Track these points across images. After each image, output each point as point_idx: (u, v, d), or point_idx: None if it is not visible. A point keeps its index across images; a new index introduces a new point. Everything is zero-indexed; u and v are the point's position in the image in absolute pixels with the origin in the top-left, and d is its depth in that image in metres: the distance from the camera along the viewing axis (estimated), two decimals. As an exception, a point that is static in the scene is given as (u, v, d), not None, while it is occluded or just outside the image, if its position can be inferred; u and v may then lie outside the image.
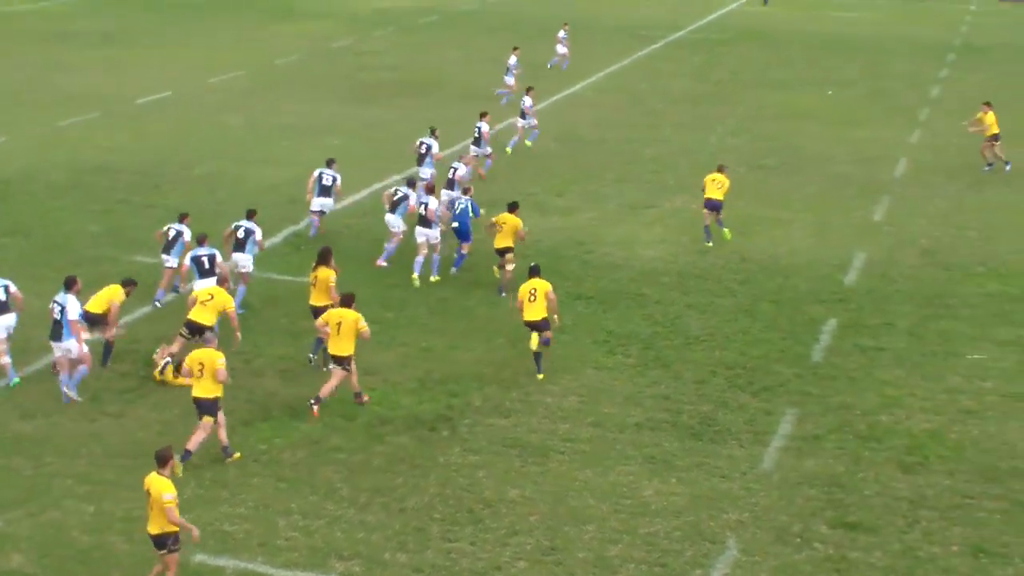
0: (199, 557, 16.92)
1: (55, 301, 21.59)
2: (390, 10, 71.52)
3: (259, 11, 70.04)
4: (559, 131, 40.71)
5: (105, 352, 22.78)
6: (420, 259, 27.80)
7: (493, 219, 27.61)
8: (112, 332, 22.76)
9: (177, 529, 15.82)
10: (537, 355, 23.04)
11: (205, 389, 19.45)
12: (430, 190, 28.51)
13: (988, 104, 38.78)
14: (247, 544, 17.49)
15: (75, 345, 21.39)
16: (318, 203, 30.34)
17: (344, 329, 21.16)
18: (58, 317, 21.41)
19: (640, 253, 30.23)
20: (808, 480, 19.59)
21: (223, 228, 26.42)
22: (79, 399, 21.60)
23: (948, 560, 17.57)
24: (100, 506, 18.36)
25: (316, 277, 23.10)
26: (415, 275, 27.69)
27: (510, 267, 27.12)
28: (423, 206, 27.73)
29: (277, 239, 30.12)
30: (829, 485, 19.45)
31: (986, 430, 21.41)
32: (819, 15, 74.29)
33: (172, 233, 25.50)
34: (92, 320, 22.41)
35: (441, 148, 33.65)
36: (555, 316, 23.41)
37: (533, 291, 23.00)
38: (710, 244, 30.59)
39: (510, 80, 47.07)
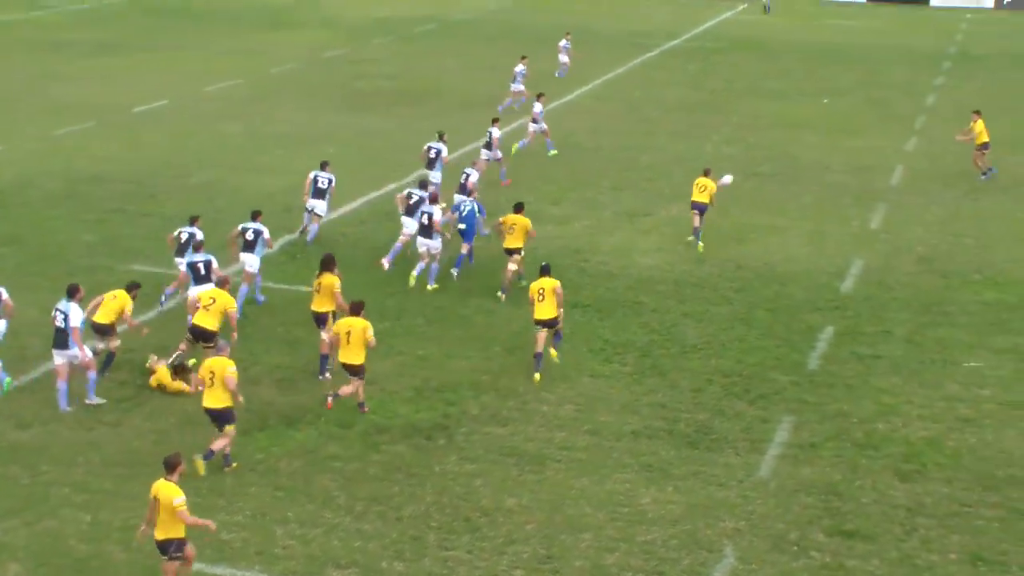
0: (197, 565, 16.86)
1: (58, 309, 21.57)
2: (387, 19, 71.56)
3: (255, 20, 70.08)
4: (555, 138, 40.71)
5: (105, 362, 22.75)
6: (421, 265, 27.99)
7: (500, 220, 27.82)
8: (116, 343, 22.85)
9: (180, 536, 15.81)
10: (537, 355, 23.19)
11: (216, 399, 19.47)
12: (434, 200, 28.57)
13: (978, 112, 38.85)
14: (244, 553, 17.46)
15: (80, 352, 21.41)
16: (312, 204, 30.72)
17: (354, 337, 21.24)
18: (61, 325, 21.40)
19: (636, 261, 30.24)
20: (805, 488, 19.58)
21: (220, 237, 26.38)
22: (100, 401, 21.80)
23: (946, 568, 17.56)
24: (97, 515, 18.33)
25: (320, 284, 23.14)
26: (413, 274, 27.90)
27: (512, 267, 27.31)
28: (427, 216, 27.75)
29: (273, 248, 30.08)
30: (826, 493, 19.44)
31: (983, 438, 21.41)
32: (814, 24, 74.40)
33: (184, 236, 25.60)
34: (100, 330, 22.49)
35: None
36: (561, 310, 23.65)
37: (542, 290, 23.31)
38: (699, 244, 30.85)
39: (517, 87, 47.10)
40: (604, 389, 23.07)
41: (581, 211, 34.34)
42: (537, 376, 23.14)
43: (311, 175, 30.75)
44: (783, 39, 67.70)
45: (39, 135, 41.82)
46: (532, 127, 40.04)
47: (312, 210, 30.76)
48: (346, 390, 21.45)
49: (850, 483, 19.75)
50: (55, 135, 41.91)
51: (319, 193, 30.53)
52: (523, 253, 27.52)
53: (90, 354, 21.71)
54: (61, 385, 21.57)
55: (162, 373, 22.51)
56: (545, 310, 23.20)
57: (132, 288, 22.91)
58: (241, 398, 19.78)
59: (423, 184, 29.55)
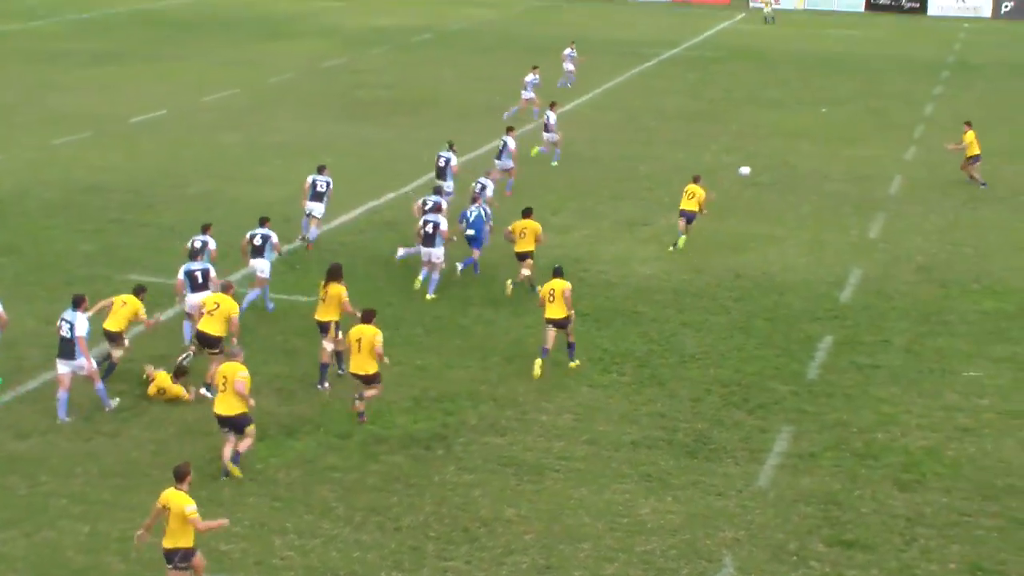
0: (194, 577, 16.86)
1: (63, 319, 21.54)
2: (384, 29, 71.61)
3: (252, 30, 70.12)
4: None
5: (106, 372, 22.72)
6: (425, 272, 28.19)
7: (510, 228, 28.05)
8: (119, 352, 22.90)
9: (189, 545, 15.79)
10: (544, 349, 23.95)
11: (229, 405, 19.52)
12: (437, 209, 28.61)
13: (969, 124, 38.93)
14: (243, 563, 17.42)
15: (86, 363, 21.40)
16: (310, 207, 31.18)
17: (364, 345, 21.36)
18: (67, 335, 21.38)
19: (635, 271, 30.23)
20: (804, 498, 19.55)
21: (219, 247, 26.33)
22: (114, 402, 21.91)
23: (946, 578, 17.55)
24: (95, 526, 18.28)
25: (327, 293, 23.17)
26: (419, 279, 28.22)
27: (526, 272, 27.74)
28: (432, 224, 27.79)
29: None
30: (825, 503, 19.40)
31: (983, 447, 21.38)
32: (813, 33, 74.47)
33: (198, 244, 25.68)
34: (112, 337, 22.67)
35: (433, 167, 34.07)
36: (571, 312, 24.19)
37: (552, 291, 23.82)
38: (681, 239, 31.37)
39: (528, 95, 47.12)
40: (603, 399, 23.05)
41: (580, 220, 34.35)
42: (538, 364, 23.64)
43: (309, 179, 31.28)
44: (782, 48, 67.78)
45: (37, 145, 41.82)
46: (546, 136, 40.29)
47: (310, 213, 31.18)
48: (370, 393, 21.72)
49: (849, 493, 19.72)
50: (53, 145, 41.91)
51: (317, 196, 31.08)
52: (533, 257, 27.99)
53: (95, 365, 21.71)
54: (62, 395, 21.53)
55: (162, 378, 22.50)
56: (555, 310, 23.78)
57: (140, 292, 23.17)
58: (252, 402, 19.79)
59: (437, 189, 30.28)
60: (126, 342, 23.05)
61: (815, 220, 35.00)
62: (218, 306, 22.39)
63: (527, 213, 28.24)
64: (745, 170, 31.80)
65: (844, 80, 58.20)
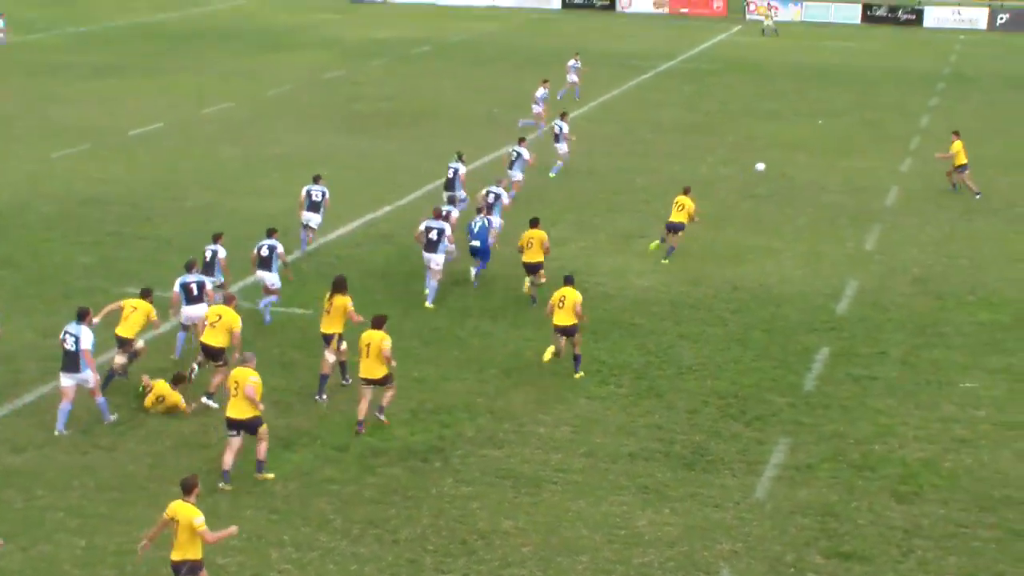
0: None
1: (67, 332, 21.54)
2: (383, 41, 71.71)
3: (252, 42, 70.21)
4: (550, 160, 40.80)
5: (106, 380, 22.73)
6: (428, 277, 28.28)
7: (520, 244, 28.12)
8: (122, 360, 23.00)
9: (197, 558, 15.81)
10: (576, 357, 24.33)
11: (241, 409, 19.69)
12: (438, 215, 28.61)
13: (956, 133, 39.05)
14: (239, 577, 17.44)
15: (91, 376, 21.41)
16: (307, 218, 31.33)
17: (373, 350, 21.52)
18: (72, 348, 21.38)
19: (632, 283, 30.27)
20: (801, 510, 19.56)
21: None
22: (114, 416, 21.92)
23: (942, 589, 17.56)
24: (92, 540, 18.28)
25: (332, 304, 23.22)
26: (427, 290, 28.29)
27: (541, 280, 28.04)
28: (436, 231, 27.86)
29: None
30: (823, 515, 19.42)
31: (979, 459, 21.41)
32: (809, 45, 74.56)
33: (208, 254, 25.75)
34: (123, 343, 22.89)
35: (433, 178, 34.13)
36: (584, 319, 24.75)
37: (563, 298, 24.19)
38: (665, 261, 31.45)
39: (538, 109, 47.23)
40: (600, 411, 23.07)
41: (577, 233, 34.39)
42: (550, 350, 24.42)
43: (304, 189, 31.43)
44: (778, 60, 67.87)
45: (36, 157, 41.86)
46: (557, 146, 40.53)
47: (307, 223, 31.34)
48: (387, 398, 21.95)
49: (847, 504, 19.74)
50: (52, 157, 41.95)
51: (314, 206, 31.26)
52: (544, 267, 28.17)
53: (99, 378, 21.74)
54: (65, 406, 21.51)
55: (160, 386, 22.50)
56: (563, 317, 24.12)
57: (147, 294, 23.29)
58: (262, 407, 19.86)
59: (451, 200, 30.78)
60: (141, 342, 23.15)
61: (811, 232, 35.05)
62: (220, 318, 22.45)
63: (534, 223, 28.27)
64: (761, 166, 31.88)
65: (840, 92, 58.29)
